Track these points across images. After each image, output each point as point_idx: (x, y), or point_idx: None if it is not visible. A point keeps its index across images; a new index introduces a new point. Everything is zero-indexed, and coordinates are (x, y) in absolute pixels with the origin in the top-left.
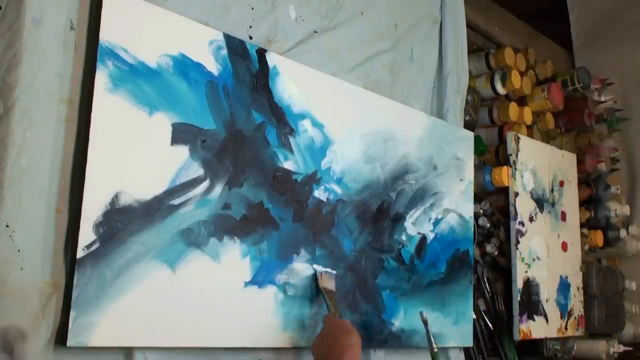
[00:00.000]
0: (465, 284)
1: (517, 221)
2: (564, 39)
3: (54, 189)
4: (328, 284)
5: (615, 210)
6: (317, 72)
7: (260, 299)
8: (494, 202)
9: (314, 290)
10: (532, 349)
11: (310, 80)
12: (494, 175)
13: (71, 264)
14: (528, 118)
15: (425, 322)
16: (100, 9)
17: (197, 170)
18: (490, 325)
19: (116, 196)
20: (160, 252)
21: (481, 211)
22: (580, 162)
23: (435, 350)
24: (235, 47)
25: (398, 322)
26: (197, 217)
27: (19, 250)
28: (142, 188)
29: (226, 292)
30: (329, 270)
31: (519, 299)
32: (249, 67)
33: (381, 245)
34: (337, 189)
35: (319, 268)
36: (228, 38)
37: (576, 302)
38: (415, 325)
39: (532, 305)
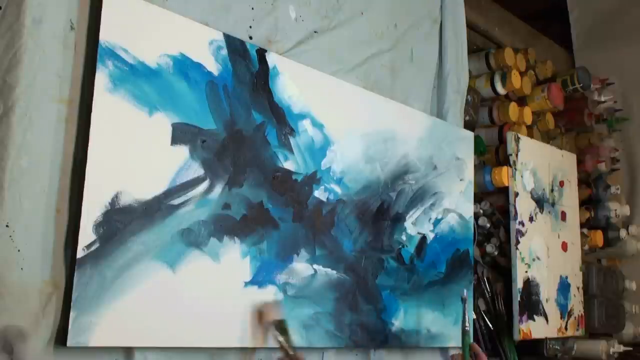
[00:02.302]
0: (465, 284)
1: (517, 221)
2: (564, 39)
3: (54, 189)
4: (276, 314)
5: (615, 210)
6: (317, 72)
7: (260, 299)
8: (494, 202)
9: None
10: (532, 349)
11: (310, 80)
12: (494, 175)
13: (71, 264)
14: (528, 118)
15: (464, 301)
16: (100, 9)
17: (197, 170)
18: (490, 325)
19: (116, 196)
20: (160, 252)
21: (481, 211)
22: (580, 162)
23: (467, 329)
24: (235, 47)
25: (398, 322)
26: (197, 217)
27: (19, 250)
28: (142, 188)
29: (226, 292)
30: (270, 297)
31: (519, 299)
32: (249, 67)
33: (381, 245)
34: (337, 189)
35: (259, 300)
36: (228, 38)
37: (576, 302)
38: (415, 325)
39: (532, 305)
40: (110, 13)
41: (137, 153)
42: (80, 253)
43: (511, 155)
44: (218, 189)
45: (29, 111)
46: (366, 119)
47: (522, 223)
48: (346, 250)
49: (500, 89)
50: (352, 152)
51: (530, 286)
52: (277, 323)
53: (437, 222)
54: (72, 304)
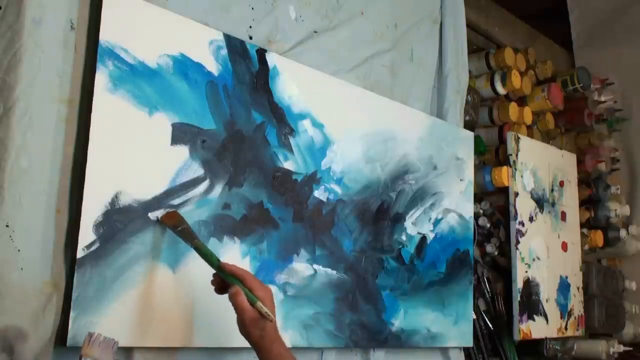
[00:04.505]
0: (465, 284)
1: (517, 221)
2: (564, 39)
3: (54, 189)
4: (98, 352)
5: (615, 210)
6: (317, 72)
7: None
8: (494, 202)
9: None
10: (532, 349)
11: (310, 80)
12: (494, 175)
13: (71, 264)
14: (528, 118)
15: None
16: (100, 9)
17: (197, 170)
18: (490, 325)
19: (116, 196)
20: (161, 252)
21: (481, 211)
22: (580, 162)
23: (197, 240)
24: (235, 47)
25: (398, 322)
26: (197, 217)
27: (19, 250)
28: (142, 188)
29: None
30: (103, 336)
31: (519, 299)
32: (249, 67)
33: (381, 245)
34: (337, 189)
35: (94, 334)
36: (228, 38)
37: (576, 302)
38: (415, 325)
39: (532, 305)
40: (110, 13)
41: (137, 153)
42: (80, 253)
43: (511, 155)
44: (218, 189)
45: (29, 111)
46: (366, 119)
47: (522, 223)
48: (346, 250)
49: (500, 89)
50: (352, 152)
51: (530, 286)
52: (176, 224)
53: (437, 222)
54: (72, 304)
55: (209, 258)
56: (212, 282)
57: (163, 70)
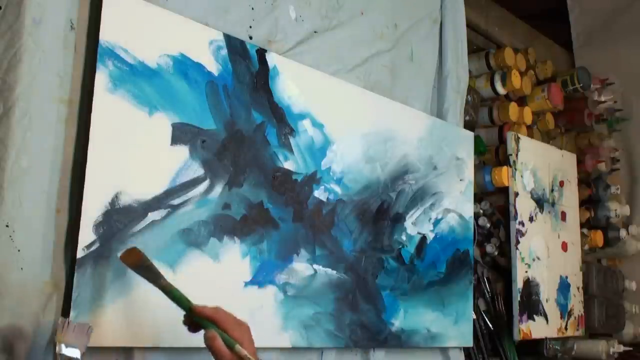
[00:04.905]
0: (465, 284)
1: (517, 221)
2: (564, 39)
3: (54, 189)
4: (73, 338)
5: (615, 210)
6: (317, 72)
7: (260, 299)
8: (494, 202)
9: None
10: (532, 349)
11: (310, 80)
12: (494, 175)
13: (71, 264)
14: (528, 118)
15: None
16: (100, 9)
17: (197, 170)
18: (490, 325)
19: (116, 196)
20: (160, 252)
21: (481, 211)
22: (580, 162)
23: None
24: (235, 47)
25: (398, 322)
26: (197, 217)
27: (19, 250)
28: (142, 188)
29: (226, 292)
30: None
31: (519, 299)
32: (249, 67)
33: (381, 245)
34: (337, 189)
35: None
36: (228, 38)
37: (576, 302)
38: (415, 325)
39: (532, 305)
40: (111, 13)
41: (137, 153)
42: (80, 253)
43: (511, 155)
44: (218, 189)
45: (29, 111)
46: (366, 119)
47: (522, 223)
48: (346, 250)
49: (500, 89)
50: (352, 152)
51: (530, 286)
52: (137, 262)
53: (437, 222)
54: (72, 304)
55: (179, 300)
56: (184, 322)
57: (163, 70)
